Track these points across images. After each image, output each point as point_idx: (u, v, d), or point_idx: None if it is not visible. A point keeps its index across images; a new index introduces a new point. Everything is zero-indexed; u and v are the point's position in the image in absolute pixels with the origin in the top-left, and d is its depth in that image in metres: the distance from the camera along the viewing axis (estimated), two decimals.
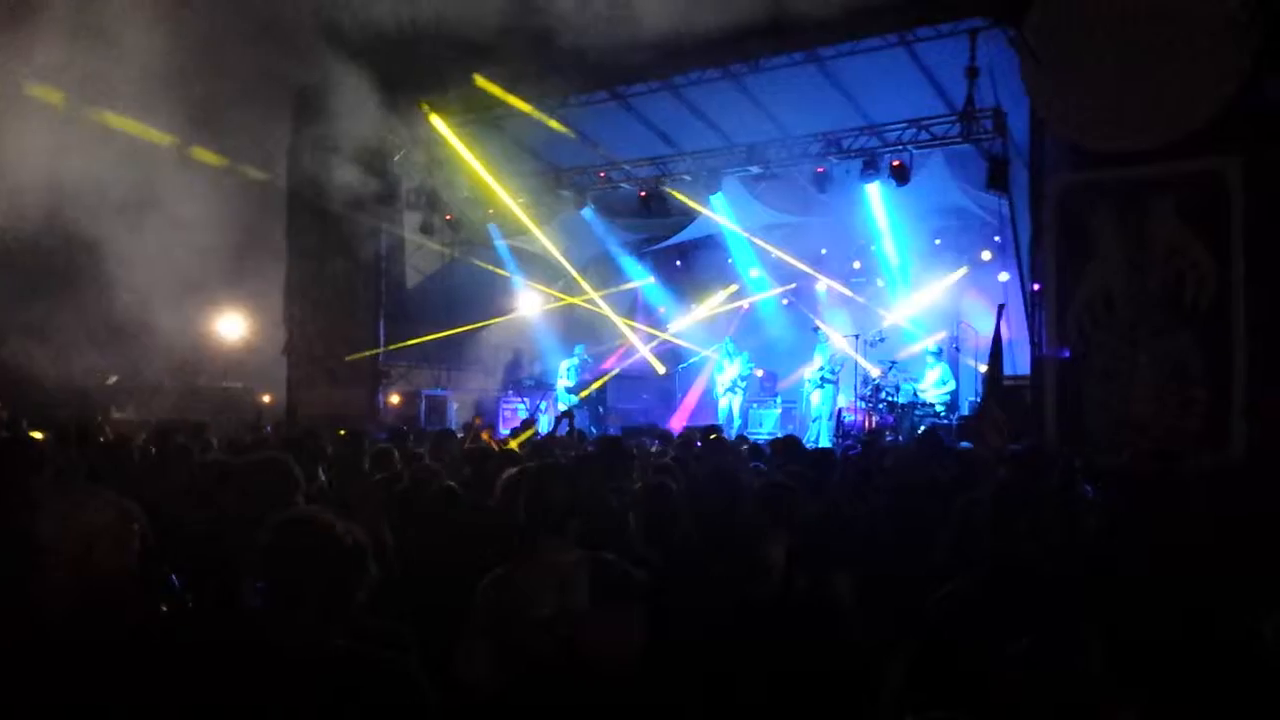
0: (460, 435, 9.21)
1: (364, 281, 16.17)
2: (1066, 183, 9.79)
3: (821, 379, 14.77)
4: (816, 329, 15.40)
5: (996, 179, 10.90)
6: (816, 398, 14.89)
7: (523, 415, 16.67)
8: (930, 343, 14.44)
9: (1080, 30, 9.41)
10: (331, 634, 2.43)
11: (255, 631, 2.46)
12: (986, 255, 14.28)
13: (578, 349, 16.71)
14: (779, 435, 13.48)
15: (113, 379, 16.58)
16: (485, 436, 10.34)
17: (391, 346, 16.19)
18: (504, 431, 13.47)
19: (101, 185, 10.87)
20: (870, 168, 12.69)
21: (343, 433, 8.22)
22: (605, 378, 16.65)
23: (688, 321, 18.38)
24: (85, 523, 2.78)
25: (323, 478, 5.72)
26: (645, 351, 17.87)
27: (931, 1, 10.62)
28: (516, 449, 8.41)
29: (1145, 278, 9.18)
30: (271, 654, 2.39)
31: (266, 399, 17.36)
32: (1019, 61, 9.89)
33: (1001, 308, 10.87)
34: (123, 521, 2.87)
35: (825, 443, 13.26)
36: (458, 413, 16.61)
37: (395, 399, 16.35)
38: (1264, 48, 8.52)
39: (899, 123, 12.51)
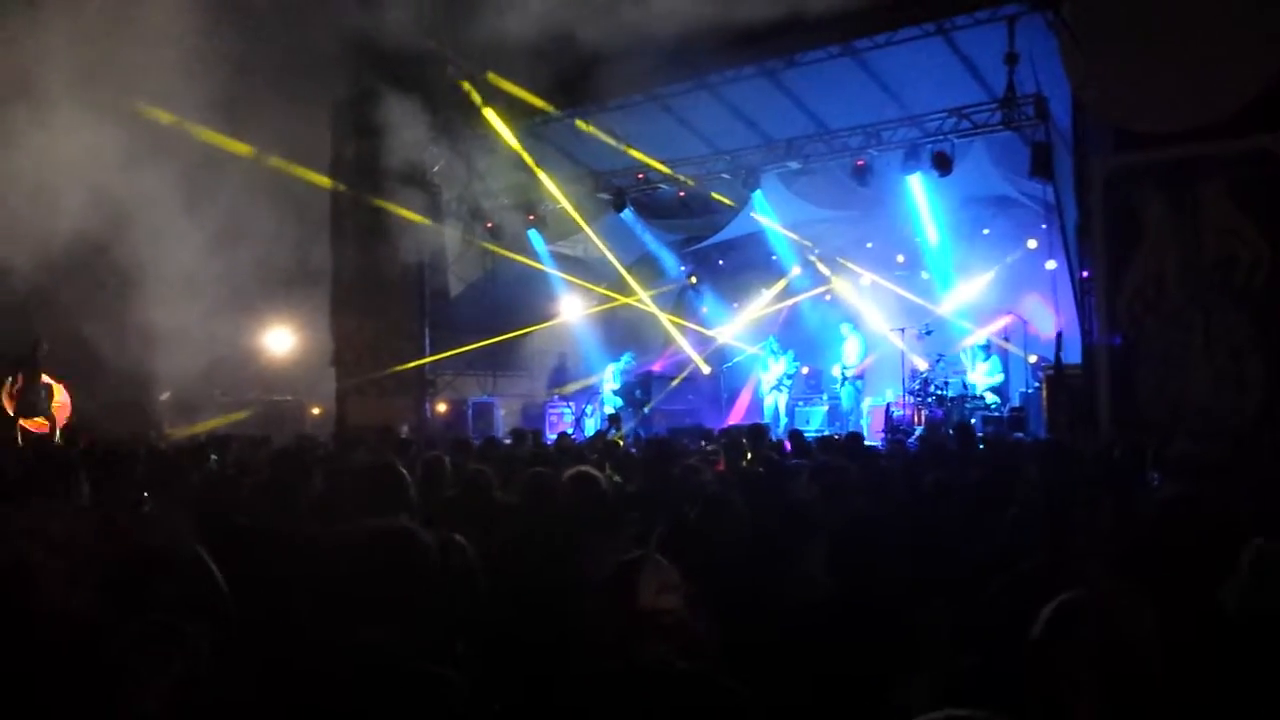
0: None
1: (408, 292, 16.33)
2: (1112, 166, 9.65)
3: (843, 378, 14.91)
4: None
5: (1040, 165, 10.77)
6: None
7: (569, 419, 16.77)
8: (980, 336, 14.32)
9: (1119, 10, 9.29)
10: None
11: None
12: (1032, 243, 14.09)
13: (625, 355, 16.72)
14: (826, 433, 13.49)
15: (165, 394, 16.83)
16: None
17: (437, 356, 16.32)
18: (551, 436, 13.50)
19: (150, 197, 11.08)
20: (911, 159, 12.59)
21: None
22: (649, 379, 16.67)
23: (731, 320, 18.33)
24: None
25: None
26: (691, 351, 17.85)
27: None
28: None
29: (1197, 259, 9.02)
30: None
31: (316, 411, 17.55)
32: (1058, 45, 9.77)
33: (1059, 336, 10.74)
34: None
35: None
36: (504, 419, 16.70)
37: (442, 407, 16.47)
38: None
39: (939, 112, 12.38)
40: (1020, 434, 11.64)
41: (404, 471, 4.38)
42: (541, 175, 14.93)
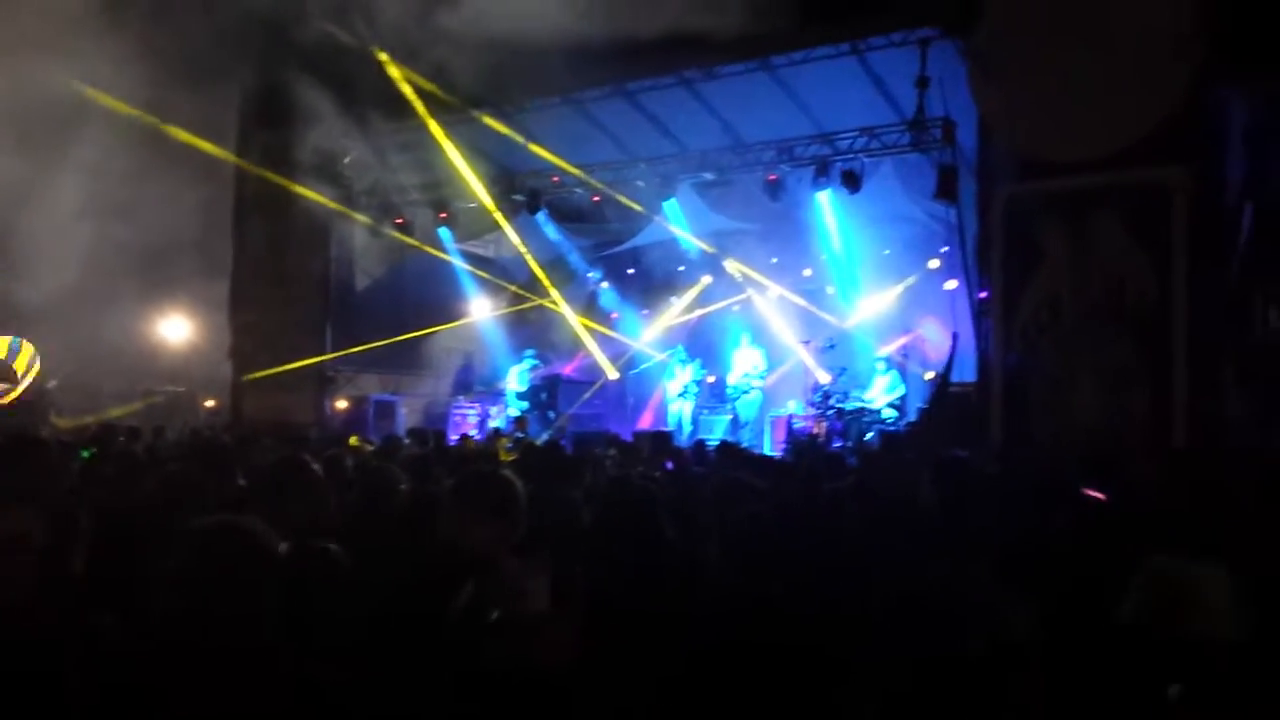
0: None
1: (312, 284, 16.01)
2: (1013, 192, 9.93)
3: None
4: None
5: (945, 188, 11.05)
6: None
7: (474, 420, 16.62)
8: (880, 352, 14.62)
9: (1026, 42, 9.56)
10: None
11: None
12: (934, 263, 14.46)
13: (527, 354, 16.66)
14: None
15: (53, 383, 16.23)
16: (355, 442, 10.27)
17: (339, 353, 16.02)
18: (454, 438, 13.36)
19: (32, 169, 10.66)
20: (822, 175, 12.80)
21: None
22: (556, 382, 16.61)
23: (640, 327, 18.40)
24: None
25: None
26: (599, 356, 17.86)
27: (883, 11, 10.74)
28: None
29: (1089, 285, 9.33)
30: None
31: (211, 403, 17.10)
32: (967, 72, 10.04)
33: (955, 336, 11.04)
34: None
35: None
36: (407, 418, 16.48)
37: (342, 404, 16.17)
38: (1206, 61, 8.71)
39: (850, 131, 12.63)
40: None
41: (316, 469, 4.28)
42: (464, 171, 14.76)
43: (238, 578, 2.33)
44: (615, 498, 4.25)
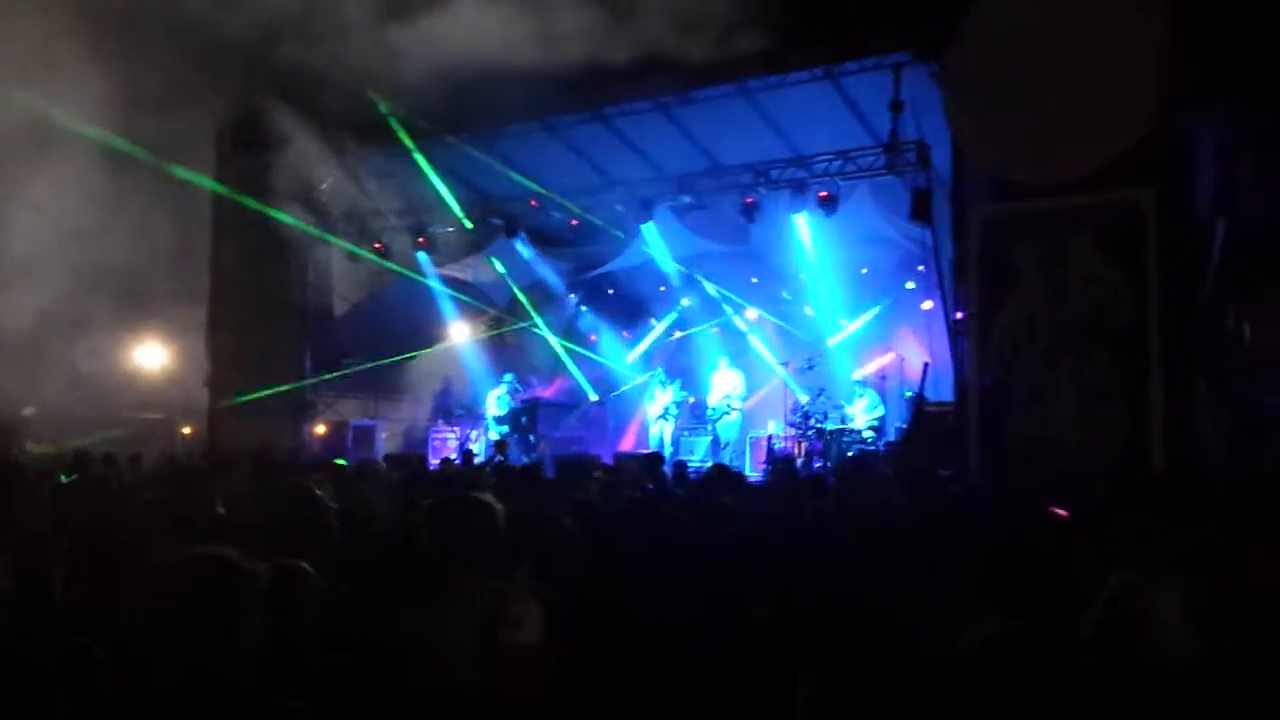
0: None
1: (290, 310, 15.95)
2: (988, 214, 10.04)
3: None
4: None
5: (920, 210, 11.14)
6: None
7: (453, 444, 16.55)
8: (858, 373, 14.69)
9: (999, 65, 9.67)
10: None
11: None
12: (911, 284, 14.56)
13: (506, 377, 16.63)
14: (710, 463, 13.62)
15: (29, 410, 16.06)
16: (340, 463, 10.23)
17: (318, 379, 15.97)
18: (434, 462, 13.31)
19: (10, 206, 10.60)
20: (798, 198, 12.90)
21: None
22: (535, 405, 16.58)
23: (620, 349, 18.42)
24: None
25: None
26: (580, 378, 17.85)
27: (856, 37, 10.85)
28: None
29: (1065, 305, 9.42)
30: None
31: (187, 430, 16.97)
32: (941, 95, 10.15)
33: (926, 366, 11.18)
34: None
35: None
36: (386, 443, 16.41)
37: (321, 430, 16.09)
38: (1177, 83, 8.84)
39: (826, 154, 12.73)
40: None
41: (322, 497, 4.30)
42: (442, 195, 14.78)
43: (219, 607, 2.32)
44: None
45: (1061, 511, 4.27)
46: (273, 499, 4.90)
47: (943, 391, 11.81)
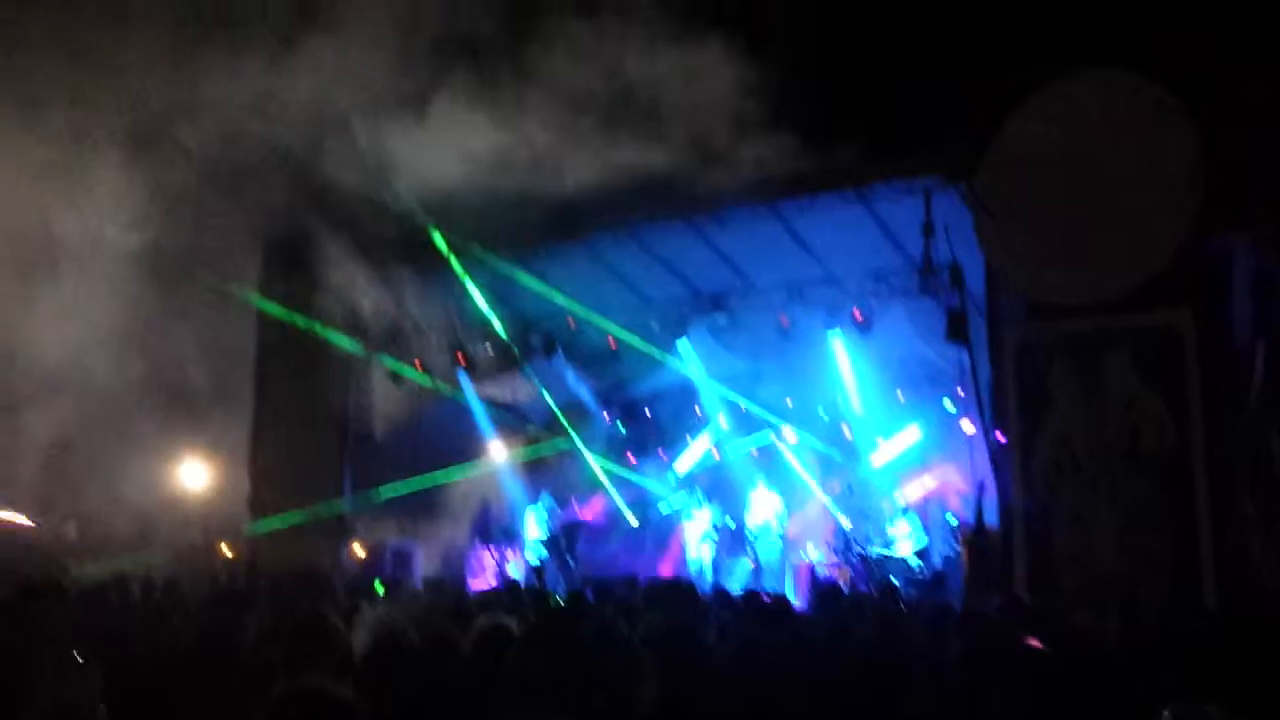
0: None
1: (331, 431, 16.05)
2: (1022, 335, 9.93)
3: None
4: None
5: (955, 331, 11.03)
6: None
7: (491, 566, 16.37)
8: (900, 496, 14.38)
9: (1029, 185, 9.68)
10: None
11: None
12: (949, 405, 14.36)
13: (543, 496, 16.52)
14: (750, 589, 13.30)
15: (70, 528, 16.20)
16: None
17: (357, 498, 15.96)
18: (475, 587, 13.16)
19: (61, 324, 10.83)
20: (833, 317, 12.87)
21: None
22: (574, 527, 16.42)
23: (657, 469, 18.24)
24: None
25: None
26: (618, 499, 17.67)
27: (886, 161, 10.92)
28: None
29: (1103, 428, 9.21)
30: None
31: (227, 551, 16.97)
32: (972, 217, 10.14)
33: (981, 486, 10.93)
34: None
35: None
36: (424, 564, 16.27)
37: (360, 551, 16.00)
38: (1208, 202, 8.77)
39: (859, 274, 12.74)
40: (942, 596, 11.62)
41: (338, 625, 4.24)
42: (486, 313, 14.95)
43: None
44: None
45: (1036, 643, 4.13)
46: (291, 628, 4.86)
47: (988, 516, 11.49)
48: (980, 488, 11.13)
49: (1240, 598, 8.24)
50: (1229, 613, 7.70)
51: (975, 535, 11.01)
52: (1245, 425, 8.58)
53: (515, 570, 15.64)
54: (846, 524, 14.16)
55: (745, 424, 17.27)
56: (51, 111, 10.60)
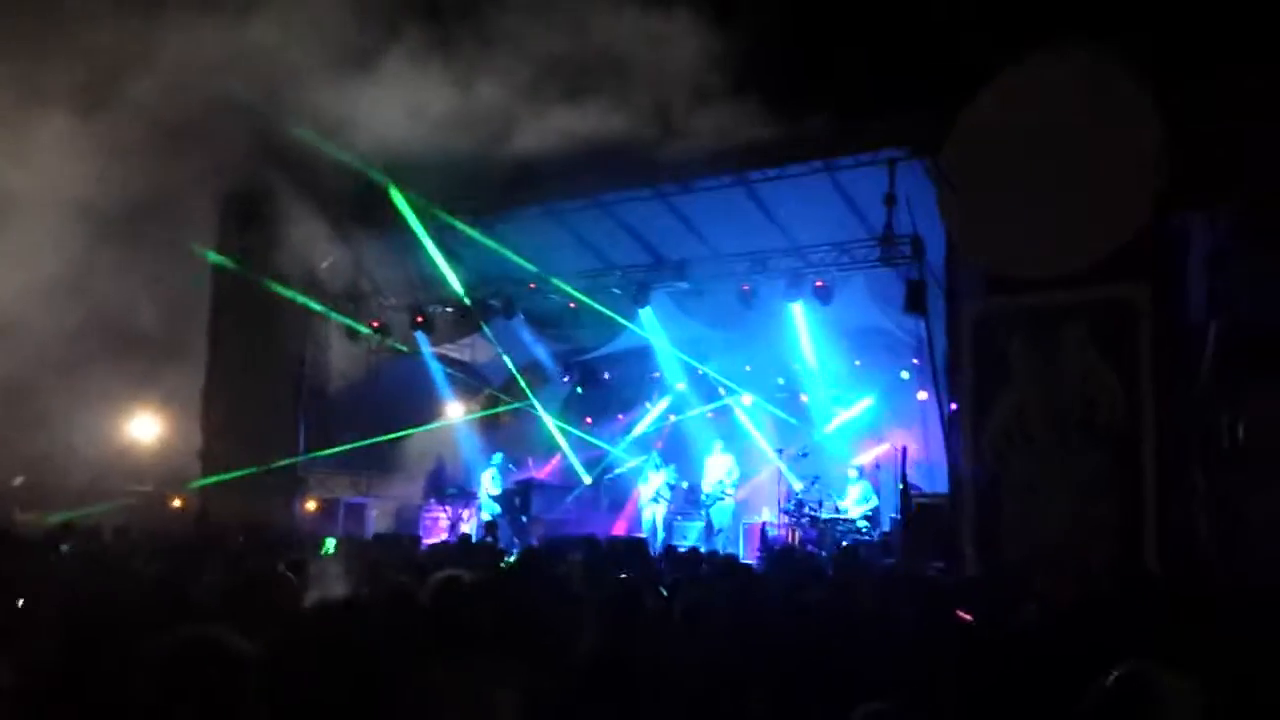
0: None
1: (286, 386, 15.94)
2: (981, 307, 10.12)
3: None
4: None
5: (914, 302, 11.20)
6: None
7: (445, 524, 16.42)
8: (852, 464, 14.65)
9: (993, 161, 9.83)
10: None
11: None
12: (905, 375, 14.63)
13: (495, 457, 16.60)
14: (700, 548, 13.52)
15: (19, 480, 15.97)
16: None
17: (312, 455, 15.89)
18: (426, 542, 13.18)
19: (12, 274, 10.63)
20: (794, 287, 13.02)
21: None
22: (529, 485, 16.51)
23: (615, 431, 18.38)
24: None
25: None
26: (574, 460, 17.78)
27: (852, 133, 11.05)
28: None
29: (1058, 401, 9.45)
30: None
31: (178, 503, 16.84)
32: (935, 190, 10.31)
33: (904, 450, 11.34)
34: None
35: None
36: (377, 520, 16.28)
37: (312, 505, 15.97)
38: (1168, 184, 8.99)
39: (822, 245, 12.89)
40: (890, 559, 11.89)
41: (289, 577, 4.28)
42: (446, 274, 14.88)
43: (212, 690, 2.32)
44: None
45: (966, 615, 4.29)
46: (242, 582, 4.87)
47: (938, 483, 11.77)
48: (904, 456, 11.49)
49: (1181, 569, 8.52)
50: (1170, 584, 7.96)
51: (908, 504, 11.35)
52: (1196, 399, 8.85)
53: (469, 527, 15.70)
54: (799, 487, 14.39)
55: (703, 389, 17.45)
56: (2, 63, 10.34)
